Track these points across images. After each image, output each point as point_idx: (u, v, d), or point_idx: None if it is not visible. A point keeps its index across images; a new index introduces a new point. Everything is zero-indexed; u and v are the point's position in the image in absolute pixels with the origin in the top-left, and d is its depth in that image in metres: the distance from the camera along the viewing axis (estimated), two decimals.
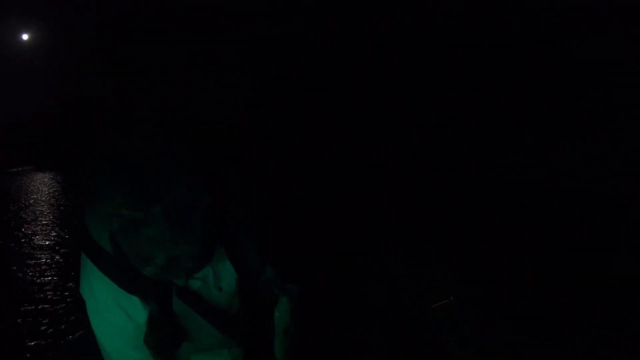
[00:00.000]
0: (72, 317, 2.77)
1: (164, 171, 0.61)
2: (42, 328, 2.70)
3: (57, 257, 3.90)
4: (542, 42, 8.95)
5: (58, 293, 3.19)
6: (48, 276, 3.46)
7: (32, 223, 5.28)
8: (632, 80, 7.21)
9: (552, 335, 2.14)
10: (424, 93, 10.71)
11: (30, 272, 3.60)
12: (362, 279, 2.85)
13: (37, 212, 6.07)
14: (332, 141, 12.04)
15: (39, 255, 3.95)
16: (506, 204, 6.04)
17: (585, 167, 7.01)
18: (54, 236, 4.69)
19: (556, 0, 8.80)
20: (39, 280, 3.41)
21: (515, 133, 9.29)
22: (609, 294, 2.69)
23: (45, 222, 5.40)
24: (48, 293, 3.16)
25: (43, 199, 7.03)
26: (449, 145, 10.32)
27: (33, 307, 3.02)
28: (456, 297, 2.43)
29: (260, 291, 0.91)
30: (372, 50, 11.93)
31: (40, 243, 4.43)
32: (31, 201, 6.99)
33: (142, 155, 0.61)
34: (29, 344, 2.52)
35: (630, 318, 2.32)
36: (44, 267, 3.69)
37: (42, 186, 8.47)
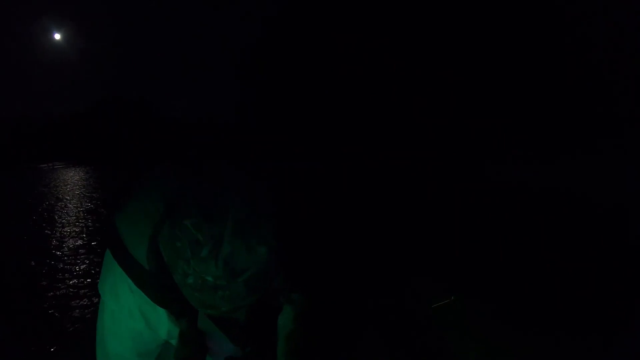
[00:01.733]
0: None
1: (258, 252, 0.65)
2: (68, 326, 2.70)
3: (81, 260, 3.88)
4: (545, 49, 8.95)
5: (81, 292, 3.18)
6: (74, 278, 3.46)
7: (57, 219, 5.26)
8: (634, 86, 7.22)
9: (552, 335, 2.15)
10: (428, 96, 10.71)
11: (52, 273, 3.60)
12: (363, 280, 2.85)
13: (61, 206, 6.05)
14: (332, 149, 12.03)
15: (63, 257, 3.94)
16: (505, 206, 6.04)
17: (585, 171, 7.02)
18: (77, 232, 4.68)
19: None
20: (64, 279, 3.41)
21: (510, 137, 9.30)
22: (609, 293, 2.70)
23: (69, 218, 5.38)
24: (70, 290, 3.14)
25: (68, 196, 6.99)
26: (448, 147, 10.33)
27: (61, 294, 3.02)
28: (456, 297, 2.43)
29: (267, 299, 0.92)
30: (371, 57, 11.90)
31: (65, 241, 4.42)
32: (59, 197, 6.96)
33: (240, 238, 0.64)
34: (51, 341, 2.52)
35: (630, 318, 2.32)
36: (72, 269, 3.69)
37: (65, 185, 8.41)
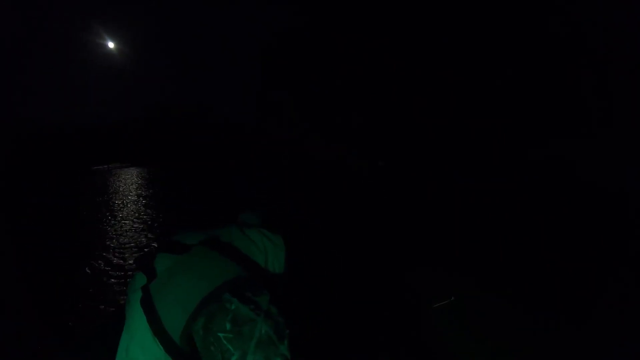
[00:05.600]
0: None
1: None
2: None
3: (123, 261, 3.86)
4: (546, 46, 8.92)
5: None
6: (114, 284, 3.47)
7: (112, 220, 5.25)
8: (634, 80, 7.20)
9: (552, 335, 2.15)
10: (431, 95, 10.69)
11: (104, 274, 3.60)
12: (364, 279, 2.85)
13: (114, 206, 6.05)
14: (328, 144, 12.01)
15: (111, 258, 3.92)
16: (505, 204, 6.04)
17: (584, 162, 7.01)
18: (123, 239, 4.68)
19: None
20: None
21: (507, 131, 9.28)
22: (609, 292, 2.70)
23: (120, 218, 5.37)
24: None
25: (124, 194, 6.98)
26: (446, 147, 10.32)
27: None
28: (456, 297, 2.44)
29: None
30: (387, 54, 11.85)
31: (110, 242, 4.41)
32: (115, 195, 6.97)
33: (261, 351, 0.81)
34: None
35: (630, 316, 2.32)
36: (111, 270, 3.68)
37: (121, 185, 8.42)
